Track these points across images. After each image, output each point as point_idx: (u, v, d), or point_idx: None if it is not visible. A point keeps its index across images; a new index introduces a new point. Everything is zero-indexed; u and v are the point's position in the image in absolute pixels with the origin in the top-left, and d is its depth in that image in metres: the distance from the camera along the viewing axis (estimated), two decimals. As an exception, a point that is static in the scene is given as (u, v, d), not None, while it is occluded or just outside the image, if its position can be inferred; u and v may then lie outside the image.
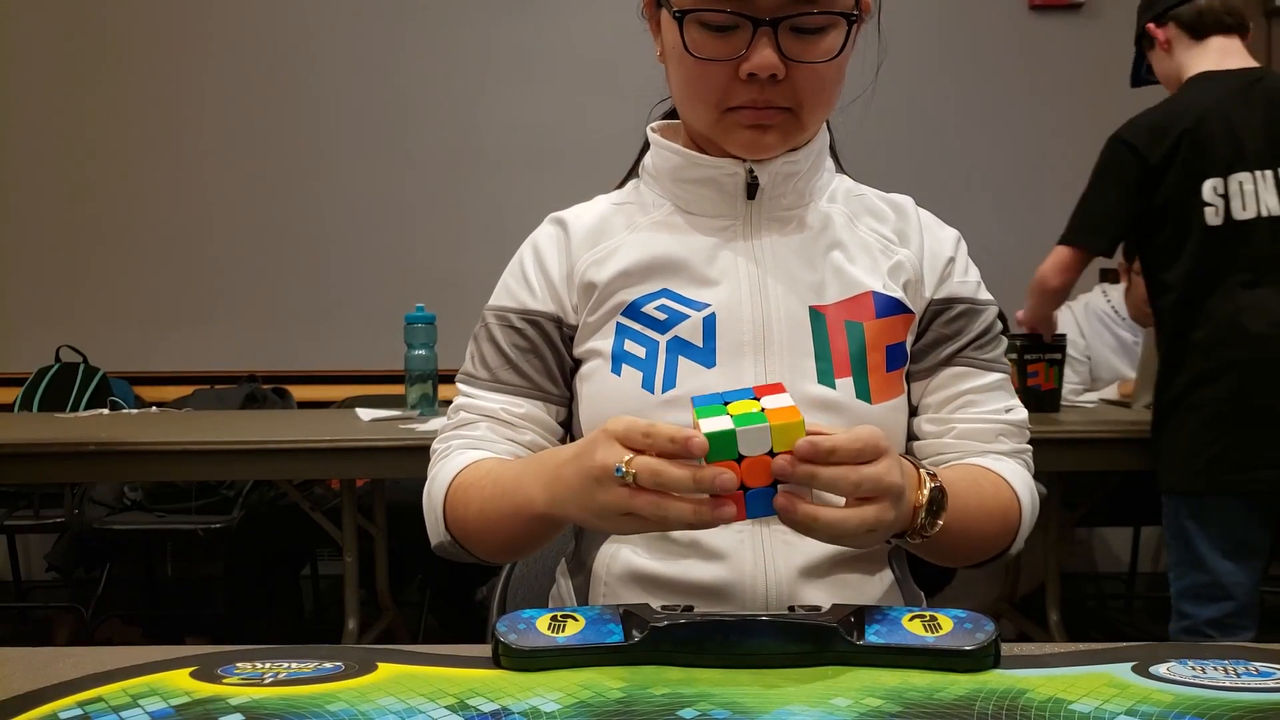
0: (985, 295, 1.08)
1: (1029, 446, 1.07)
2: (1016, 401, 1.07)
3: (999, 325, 1.08)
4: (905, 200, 1.10)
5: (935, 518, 0.87)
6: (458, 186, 4.00)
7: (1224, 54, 2.20)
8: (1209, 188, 2.12)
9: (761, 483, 0.76)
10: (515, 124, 4.00)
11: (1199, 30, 2.21)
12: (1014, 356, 2.57)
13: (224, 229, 4.01)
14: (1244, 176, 2.12)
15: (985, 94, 3.99)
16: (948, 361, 1.04)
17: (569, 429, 1.08)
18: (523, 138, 3.98)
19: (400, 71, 4.01)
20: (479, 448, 1.02)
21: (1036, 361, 2.57)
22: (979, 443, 1.03)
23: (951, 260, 1.06)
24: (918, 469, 0.88)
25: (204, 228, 4.01)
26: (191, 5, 3.99)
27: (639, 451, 0.76)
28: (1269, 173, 2.12)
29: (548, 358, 1.05)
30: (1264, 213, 2.11)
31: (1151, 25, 2.28)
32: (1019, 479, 1.02)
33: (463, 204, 3.98)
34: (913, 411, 1.07)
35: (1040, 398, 2.58)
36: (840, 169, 1.13)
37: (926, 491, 0.86)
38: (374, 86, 4.01)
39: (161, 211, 3.95)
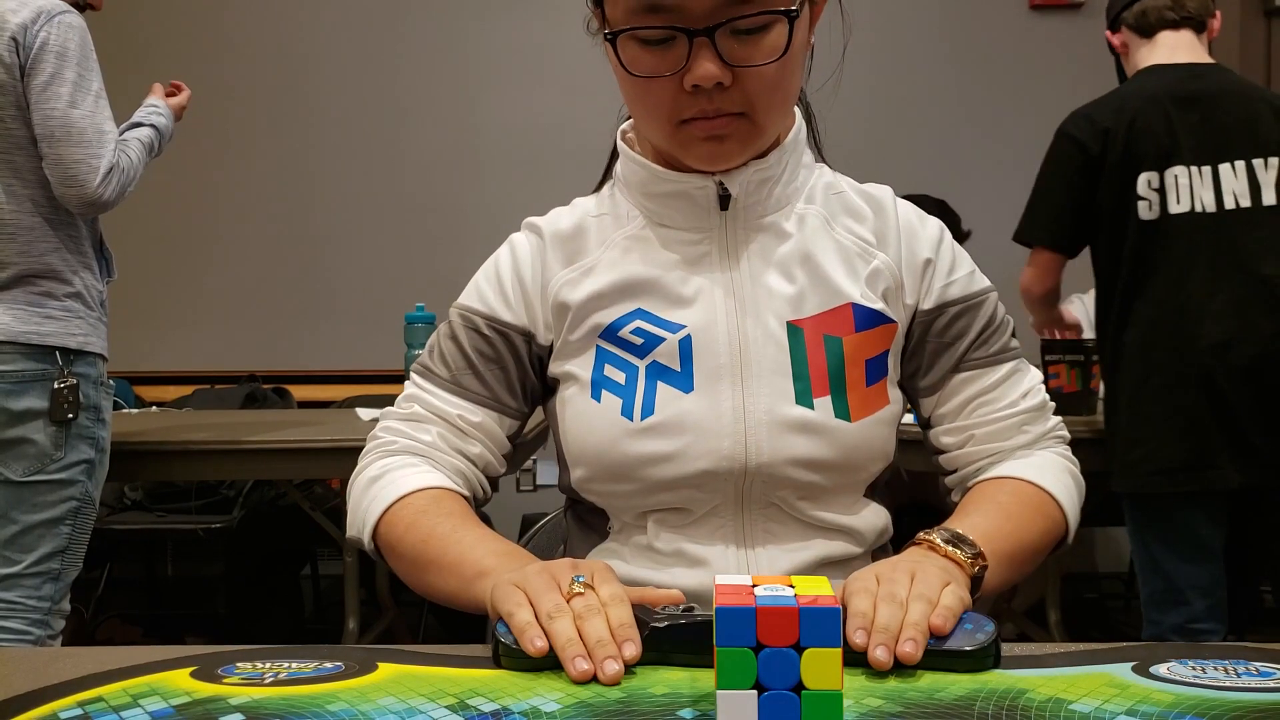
0: (979, 284, 1.04)
1: (1056, 419, 1.05)
2: (1034, 382, 1.04)
3: (1000, 310, 1.05)
4: (884, 193, 1.05)
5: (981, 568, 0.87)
6: (458, 186, 4.00)
7: (1173, 49, 2.17)
8: (1143, 181, 2.09)
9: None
10: (514, 124, 3.99)
11: (1145, 29, 2.20)
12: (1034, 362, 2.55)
13: (224, 229, 4.01)
14: (1179, 170, 2.08)
15: (985, 93, 3.98)
16: (954, 369, 1.02)
17: (516, 444, 1.07)
18: (522, 138, 3.98)
19: (400, 71, 4.01)
20: (427, 457, 1.01)
21: (1057, 363, 2.52)
22: (1001, 442, 1.01)
23: (930, 262, 1.02)
24: (954, 546, 0.87)
25: (204, 227, 4.01)
26: (191, 5, 3.99)
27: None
28: (1206, 168, 2.08)
29: (510, 370, 1.03)
30: (1198, 208, 2.08)
31: (1109, 34, 2.28)
32: (1048, 472, 1.00)
33: (463, 204, 3.98)
34: (926, 424, 1.06)
35: (1065, 400, 2.50)
36: (820, 158, 1.09)
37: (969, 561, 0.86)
38: (374, 87, 4.01)
39: (161, 211, 3.94)
